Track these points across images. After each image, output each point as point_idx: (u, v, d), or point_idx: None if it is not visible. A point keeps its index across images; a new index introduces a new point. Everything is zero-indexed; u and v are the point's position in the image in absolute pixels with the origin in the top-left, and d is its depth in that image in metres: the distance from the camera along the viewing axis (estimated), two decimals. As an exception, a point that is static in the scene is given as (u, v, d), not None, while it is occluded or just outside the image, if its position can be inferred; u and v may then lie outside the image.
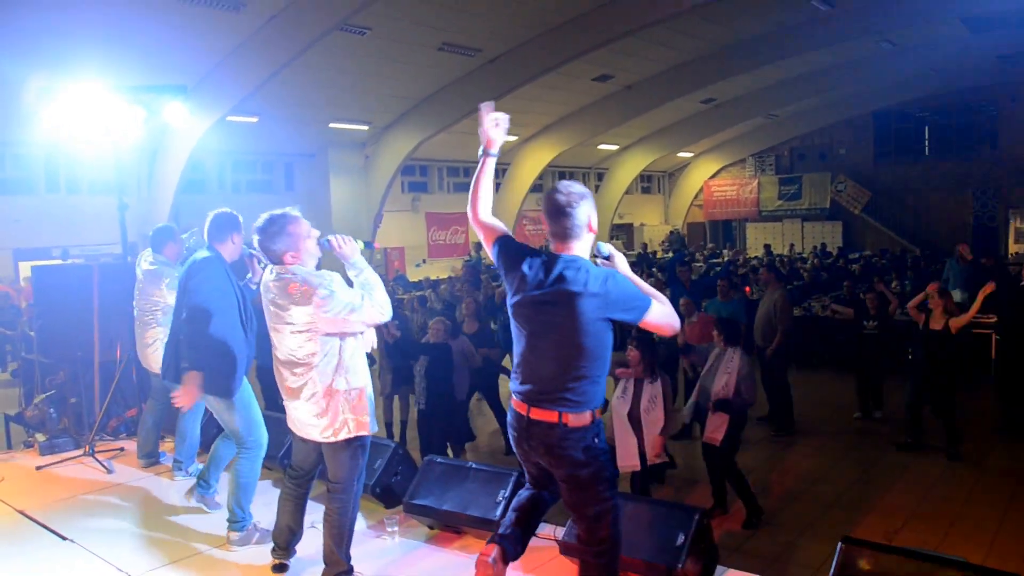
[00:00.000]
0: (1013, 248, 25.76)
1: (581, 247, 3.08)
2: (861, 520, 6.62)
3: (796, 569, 5.75)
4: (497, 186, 25.51)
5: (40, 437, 6.50)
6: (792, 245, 27.92)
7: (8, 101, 12.56)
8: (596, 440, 3.08)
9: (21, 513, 4.98)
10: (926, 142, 28.61)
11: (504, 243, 3.27)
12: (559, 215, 3.04)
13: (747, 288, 14.32)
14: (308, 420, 3.71)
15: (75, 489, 5.43)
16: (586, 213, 3.06)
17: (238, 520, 4.43)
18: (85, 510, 5.04)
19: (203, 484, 4.89)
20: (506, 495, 4.15)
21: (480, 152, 3.35)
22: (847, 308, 10.30)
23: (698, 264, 20.05)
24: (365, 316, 3.62)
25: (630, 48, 17.35)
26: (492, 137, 3.32)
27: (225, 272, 4.59)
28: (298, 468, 3.98)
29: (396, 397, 8.82)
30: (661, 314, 3.04)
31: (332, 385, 3.65)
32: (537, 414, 3.06)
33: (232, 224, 4.73)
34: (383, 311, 3.67)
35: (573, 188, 3.08)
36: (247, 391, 4.66)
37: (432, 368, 7.19)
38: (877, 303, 9.51)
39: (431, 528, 4.52)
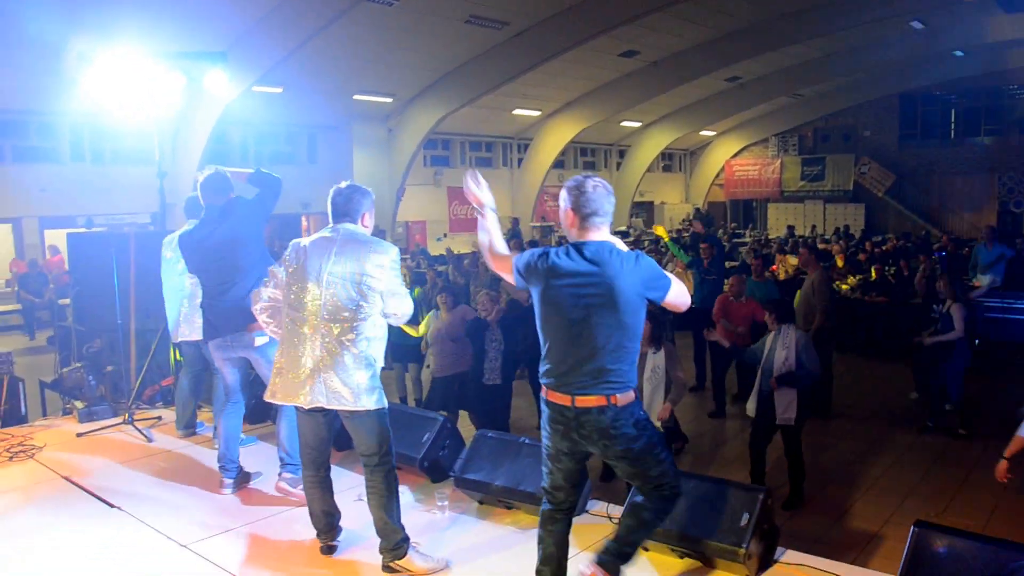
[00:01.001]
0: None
1: (604, 232, 3.18)
2: (900, 503, 6.55)
3: (840, 550, 5.69)
4: (519, 161, 25.44)
5: (79, 404, 6.50)
6: (814, 227, 27.71)
7: (37, 70, 12.55)
8: (641, 412, 3.18)
9: (67, 480, 4.98)
10: (952, 125, 28.28)
11: (520, 257, 3.29)
12: (592, 203, 3.13)
13: (773, 267, 14.21)
14: (338, 388, 3.63)
15: (118, 456, 5.44)
16: (611, 203, 3.19)
17: (291, 463, 4.59)
18: (129, 478, 5.04)
19: (228, 469, 4.83)
20: (561, 471, 4.09)
21: (476, 213, 3.43)
22: (880, 297, 10.17)
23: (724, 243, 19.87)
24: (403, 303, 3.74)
25: (657, 24, 17.14)
26: (482, 198, 3.37)
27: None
28: (312, 448, 3.89)
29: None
30: (679, 293, 3.16)
31: (368, 349, 3.65)
32: (584, 401, 3.08)
33: (227, 185, 4.80)
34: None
35: (595, 177, 3.20)
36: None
37: (508, 342, 7.06)
38: (926, 283, 9.36)
39: (481, 503, 4.48)
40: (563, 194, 3.20)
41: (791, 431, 6.31)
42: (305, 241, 3.80)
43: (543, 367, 3.22)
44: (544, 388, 3.21)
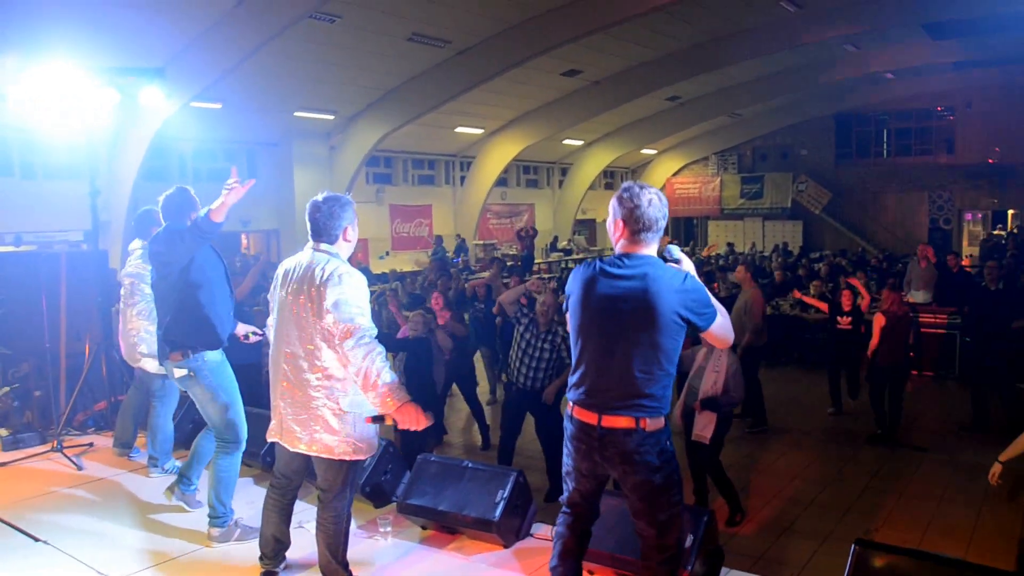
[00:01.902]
0: (967, 250, 26.31)
1: (653, 248, 3.02)
2: (840, 519, 6.64)
3: (782, 568, 5.75)
4: (462, 179, 25.41)
5: (3, 432, 6.24)
6: (753, 244, 28.20)
7: (-37, 82, 12.12)
8: (668, 443, 3.03)
9: (-11, 512, 4.76)
10: (885, 144, 29.10)
11: (571, 276, 3.18)
12: (646, 218, 2.96)
13: (715, 285, 14.37)
14: (311, 431, 3.52)
15: (44, 487, 5.22)
16: (664, 217, 3.01)
17: (219, 516, 4.33)
18: (57, 509, 4.84)
19: (185, 481, 4.73)
20: (505, 495, 4.06)
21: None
22: (822, 303, 10.40)
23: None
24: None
25: (599, 44, 17.30)
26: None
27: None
28: (282, 476, 3.79)
29: None
30: (723, 327, 3.04)
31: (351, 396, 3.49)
32: (611, 421, 2.96)
33: (191, 203, 4.62)
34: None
35: (650, 188, 3.02)
36: (232, 382, 4.51)
37: (412, 363, 7.04)
38: (851, 299, 9.63)
39: (424, 528, 4.41)
40: (614, 203, 3.02)
41: (707, 449, 6.38)
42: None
43: (572, 380, 3.09)
44: (571, 404, 3.08)
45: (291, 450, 3.63)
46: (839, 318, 9.69)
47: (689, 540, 3.52)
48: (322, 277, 3.40)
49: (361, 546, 4.21)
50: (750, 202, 30.64)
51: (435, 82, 17.43)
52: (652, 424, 2.95)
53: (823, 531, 6.36)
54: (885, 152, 29.06)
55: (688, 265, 3.06)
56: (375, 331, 3.38)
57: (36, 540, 4.36)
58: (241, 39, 12.88)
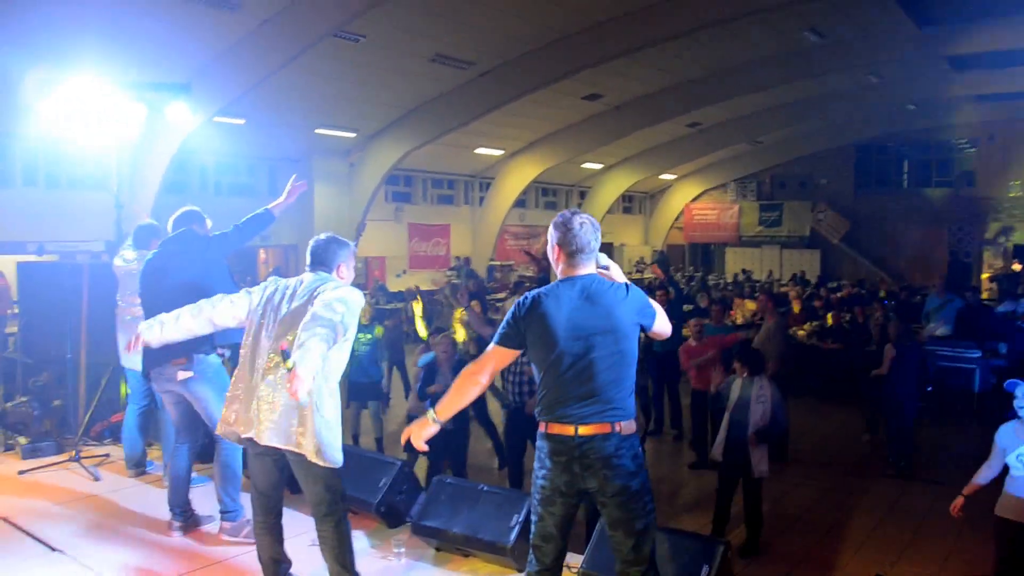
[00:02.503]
0: (986, 284, 26.09)
1: (590, 268, 3.24)
2: (856, 552, 6.58)
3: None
4: (481, 199, 25.49)
5: (22, 440, 6.27)
6: (771, 272, 28.09)
7: (-4, 93, 12.33)
8: (640, 448, 3.21)
9: (5, 520, 4.78)
10: (905, 175, 28.99)
11: (504, 322, 3.29)
12: (579, 240, 3.18)
13: (732, 312, 14.34)
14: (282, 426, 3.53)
15: (62, 496, 5.25)
16: (597, 239, 3.24)
17: (231, 510, 4.50)
18: (74, 519, 4.86)
19: (228, 514, 4.72)
20: (520, 520, 4.04)
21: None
22: (836, 344, 10.40)
23: (681, 287, 20.07)
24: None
25: (621, 69, 17.36)
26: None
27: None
28: (262, 494, 3.78)
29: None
30: (663, 321, 3.30)
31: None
32: (587, 429, 3.08)
33: (199, 219, 4.87)
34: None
35: (582, 213, 3.26)
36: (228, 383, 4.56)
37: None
38: (880, 329, 9.57)
39: (438, 550, 4.40)
40: (550, 230, 3.25)
41: (757, 483, 6.35)
42: None
43: (540, 403, 3.20)
44: (542, 423, 3.19)
45: (268, 467, 3.70)
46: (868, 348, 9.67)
47: (704, 571, 3.50)
48: (325, 286, 3.57)
49: (374, 566, 4.21)
50: (768, 230, 30.55)
51: (457, 103, 17.52)
52: (626, 427, 3.12)
53: (838, 564, 6.30)
54: (905, 183, 28.94)
55: (616, 271, 3.29)
56: (335, 335, 3.39)
57: (52, 549, 4.38)
58: (266, 56, 13.02)
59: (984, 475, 4.91)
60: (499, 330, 3.27)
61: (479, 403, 8.68)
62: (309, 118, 17.70)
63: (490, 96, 17.04)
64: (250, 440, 3.61)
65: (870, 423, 9.90)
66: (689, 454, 9.27)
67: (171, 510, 4.67)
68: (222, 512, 4.54)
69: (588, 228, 3.19)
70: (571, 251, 3.17)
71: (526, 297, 3.24)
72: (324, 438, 3.49)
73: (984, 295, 22.76)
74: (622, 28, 14.68)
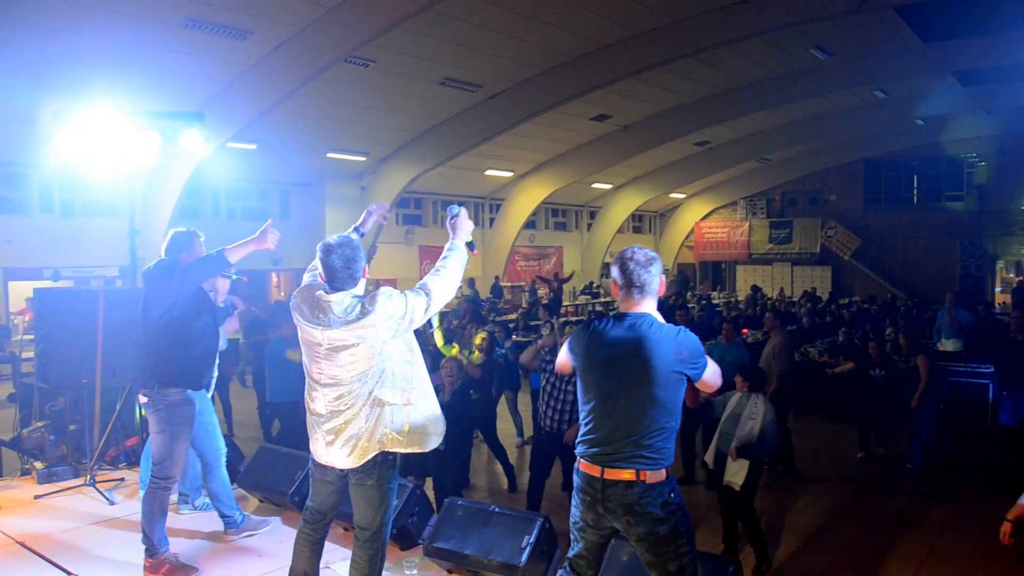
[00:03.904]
0: (999, 298, 25.98)
1: (649, 305, 3.19)
2: (870, 570, 6.54)
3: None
4: (491, 221, 25.59)
5: (38, 465, 6.34)
6: (782, 289, 28.04)
7: (9, 121, 12.53)
8: (672, 495, 3.10)
9: (21, 544, 4.83)
10: (915, 191, 28.97)
11: (571, 336, 3.37)
12: (633, 276, 3.16)
13: (744, 331, 14.30)
14: (339, 446, 3.53)
15: (77, 520, 5.30)
16: (657, 276, 3.20)
17: (229, 515, 4.90)
18: (89, 543, 4.91)
19: (230, 522, 4.90)
20: (531, 540, 4.07)
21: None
22: (847, 363, 10.38)
23: (691, 307, 20.06)
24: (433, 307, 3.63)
25: (629, 89, 17.49)
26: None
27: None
28: (316, 511, 3.80)
29: None
30: (714, 373, 3.19)
31: (379, 397, 3.47)
32: (612, 474, 3.07)
33: (186, 245, 4.85)
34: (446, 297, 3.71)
35: (648, 252, 3.21)
36: (190, 423, 4.74)
37: (453, 410, 7.02)
38: (880, 351, 9.56)
39: (450, 572, 4.42)
40: (612, 264, 3.25)
41: (738, 496, 6.33)
42: None
43: (580, 435, 3.22)
44: (578, 458, 3.20)
45: (324, 479, 3.71)
46: (872, 372, 9.64)
47: (715, 590, 3.51)
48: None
49: (387, 588, 4.23)
50: (779, 247, 30.54)
51: (466, 125, 17.68)
52: (653, 476, 3.05)
53: (852, 583, 6.26)
54: (915, 198, 28.92)
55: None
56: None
57: (68, 574, 4.42)
58: (277, 82, 13.19)
59: None
60: (570, 341, 3.34)
61: (488, 426, 8.73)
62: (320, 142, 17.88)
63: (499, 119, 17.19)
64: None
65: (863, 440, 9.90)
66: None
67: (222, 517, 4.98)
68: (226, 526, 4.86)
69: (645, 264, 3.16)
70: (625, 285, 3.16)
71: (585, 323, 3.28)
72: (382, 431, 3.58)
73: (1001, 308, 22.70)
74: (629, 50, 14.82)
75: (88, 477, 5.92)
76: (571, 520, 3.28)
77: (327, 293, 3.54)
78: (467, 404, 7.12)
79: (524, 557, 4.03)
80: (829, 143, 26.18)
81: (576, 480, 3.21)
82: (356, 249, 3.58)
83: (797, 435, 9.64)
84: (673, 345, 3.05)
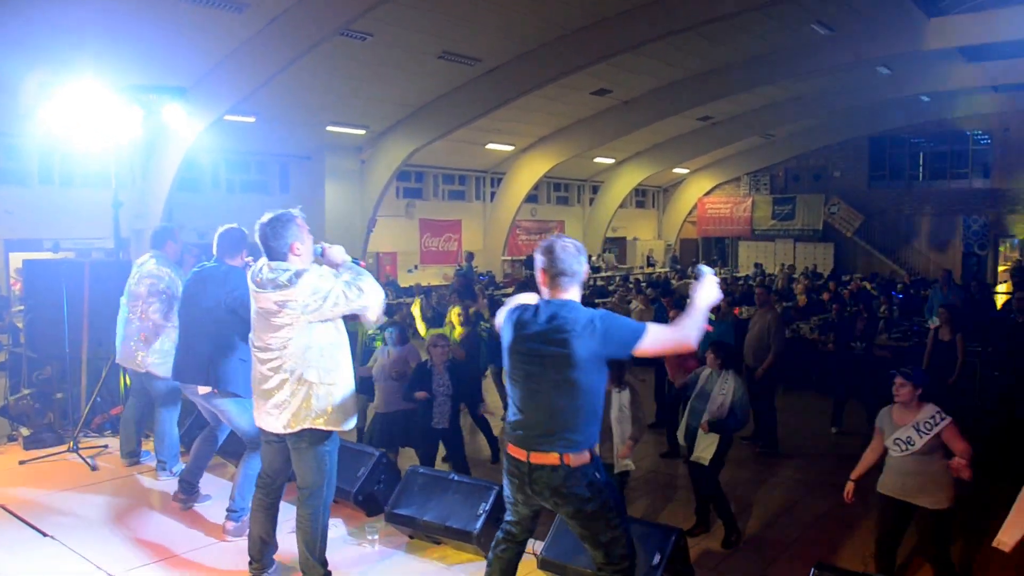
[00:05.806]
0: (1002, 276, 25.92)
1: (574, 293, 3.24)
2: (840, 543, 6.65)
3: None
4: (492, 195, 25.61)
5: (24, 431, 6.51)
6: (783, 265, 28.02)
7: (6, 93, 12.60)
8: (597, 475, 3.19)
9: (2, 508, 4.99)
10: (920, 168, 28.80)
11: (501, 311, 3.44)
12: (560, 264, 3.21)
13: (736, 309, 14.36)
14: (269, 410, 3.78)
15: (58, 485, 5.45)
16: (580, 263, 3.24)
17: (237, 510, 4.62)
18: (67, 507, 5.06)
19: (234, 513, 4.88)
20: (487, 508, 4.19)
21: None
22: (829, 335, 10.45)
23: (690, 280, 20.10)
24: (361, 303, 3.77)
25: (629, 63, 17.42)
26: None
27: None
28: (266, 475, 4.02)
29: None
30: (658, 340, 3.13)
31: (303, 375, 3.72)
32: (538, 458, 3.15)
33: (243, 242, 4.86)
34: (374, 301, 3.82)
35: (575, 242, 3.28)
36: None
37: (457, 386, 7.13)
38: (865, 326, 9.63)
39: (411, 537, 4.55)
40: (536, 253, 3.30)
41: (704, 470, 6.44)
42: None
43: (507, 420, 3.31)
44: (506, 441, 3.30)
45: (270, 442, 3.94)
46: (852, 343, 9.69)
47: (656, 558, 3.62)
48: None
49: (348, 552, 4.37)
50: (782, 223, 30.46)
51: (465, 99, 17.65)
52: (576, 459, 3.13)
53: (820, 555, 6.36)
54: (920, 175, 28.75)
55: (708, 280, 3.22)
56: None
57: (44, 535, 4.57)
58: (274, 55, 13.17)
59: (869, 458, 5.37)
60: (499, 316, 3.42)
61: (473, 400, 8.84)
62: (320, 115, 17.88)
63: (498, 92, 17.15)
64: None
65: (836, 415, 10.04)
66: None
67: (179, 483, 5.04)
68: (230, 511, 4.65)
69: (571, 251, 3.22)
70: (552, 274, 3.21)
71: (515, 306, 3.33)
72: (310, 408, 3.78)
73: (1005, 287, 22.68)
74: (629, 23, 14.74)
75: (71, 444, 6.07)
76: (504, 494, 3.41)
77: (269, 261, 3.81)
78: (459, 381, 7.20)
79: (479, 524, 4.15)
80: (833, 120, 26.03)
81: (505, 462, 3.32)
82: (286, 224, 3.80)
83: (784, 412, 9.74)
84: (592, 331, 3.07)
